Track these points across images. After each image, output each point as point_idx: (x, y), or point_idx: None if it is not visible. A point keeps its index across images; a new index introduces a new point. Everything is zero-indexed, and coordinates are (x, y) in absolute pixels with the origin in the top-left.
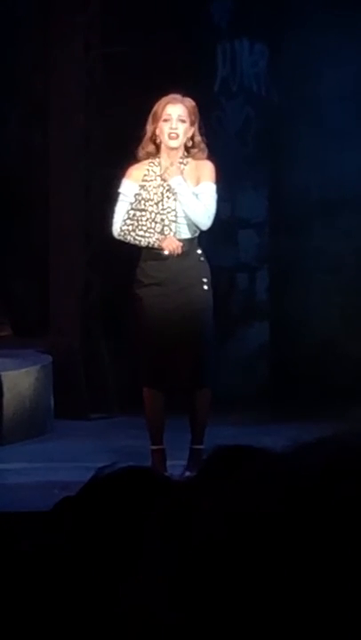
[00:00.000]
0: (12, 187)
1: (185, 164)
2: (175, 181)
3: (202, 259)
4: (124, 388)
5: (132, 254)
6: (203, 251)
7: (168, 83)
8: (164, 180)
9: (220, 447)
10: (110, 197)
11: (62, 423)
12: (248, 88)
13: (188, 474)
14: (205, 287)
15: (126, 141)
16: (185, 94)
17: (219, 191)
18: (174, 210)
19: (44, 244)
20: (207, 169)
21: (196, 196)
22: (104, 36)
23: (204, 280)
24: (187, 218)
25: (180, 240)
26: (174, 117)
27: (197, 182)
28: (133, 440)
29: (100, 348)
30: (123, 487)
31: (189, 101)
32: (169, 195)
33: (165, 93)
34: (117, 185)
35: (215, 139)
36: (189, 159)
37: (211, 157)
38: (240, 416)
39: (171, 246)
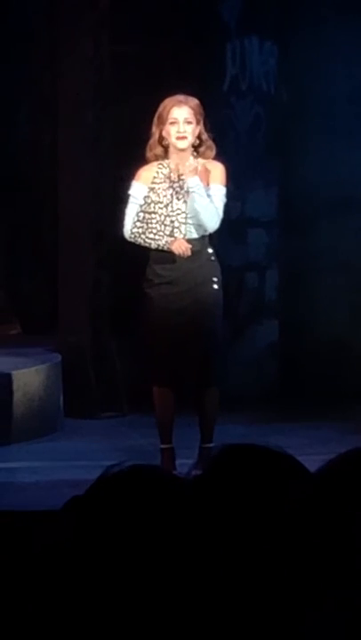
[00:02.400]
0: (21, 185)
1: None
2: (193, 182)
3: (212, 258)
4: (134, 387)
5: (142, 253)
6: (213, 250)
7: (177, 81)
8: (179, 179)
9: (228, 446)
10: (120, 196)
11: (72, 422)
12: (258, 87)
13: (195, 472)
14: (215, 286)
15: (135, 140)
16: (192, 93)
17: (228, 193)
18: (184, 212)
19: (54, 242)
20: (218, 171)
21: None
22: (113, 35)
23: (214, 279)
24: (196, 218)
25: (189, 241)
26: (181, 120)
27: (207, 183)
28: (143, 439)
29: (110, 346)
30: (130, 485)
31: (193, 101)
32: (178, 196)
33: (174, 92)
34: (127, 184)
35: (224, 138)
36: (199, 159)
37: (219, 155)
38: (249, 415)
39: (180, 249)
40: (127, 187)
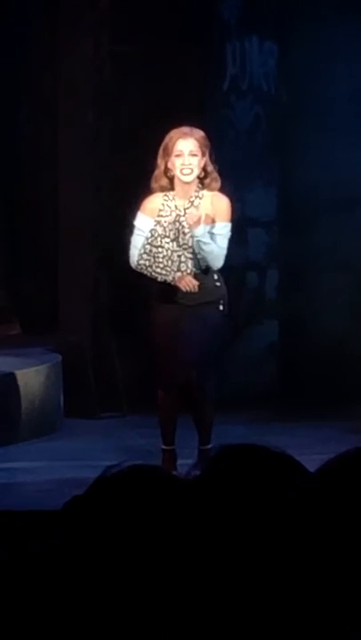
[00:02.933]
0: (21, 184)
1: (200, 197)
2: (199, 232)
3: (218, 284)
4: (134, 387)
5: None
6: (219, 275)
7: (177, 81)
8: (185, 213)
9: (226, 446)
10: (120, 195)
11: (72, 422)
12: (257, 87)
13: (195, 473)
14: (220, 307)
15: (136, 139)
16: (196, 96)
17: (233, 229)
18: (190, 246)
19: (54, 242)
20: (223, 207)
21: (212, 235)
22: (113, 35)
23: (221, 301)
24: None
25: (196, 275)
26: (186, 153)
27: (213, 219)
28: (143, 439)
29: (110, 346)
30: (129, 486)
31: (199, 133)
32: (185, 231)
33: (175, 92)
34: (127, 183)
35: (224, 137)
36: (204, 191)
37: (223, 188)
38: (249, 415)
39: (187, 286)
40: (131, 216)
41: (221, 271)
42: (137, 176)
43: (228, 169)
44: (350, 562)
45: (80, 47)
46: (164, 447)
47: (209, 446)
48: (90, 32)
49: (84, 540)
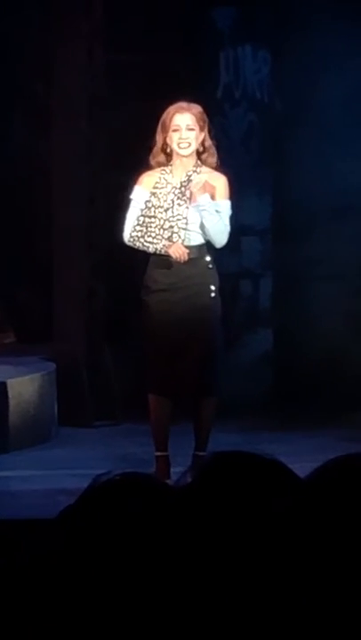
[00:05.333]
0: (15, 193)
1: (198, 174)
2: (203, 200)
3: (210, 266)
4: (129, 395)
5: (136, 261)
6: (212, 258)
7: (171, 89)
8: (181, 185)
9: (218, 453)
10: (114, 205)
11: (66, 430)
12: (251, 95)
13: (188, 480)
14: (213, 294)
15: (130, 148)
16: (190, 100)
17: (233, 207)
18: (185, 217)
19: (48, 251)
20: (223, 185)
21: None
22: (107, 43)
23: (212, 287)
24: (201, 227)
25: (188, 247)
26: (183, 127)
27: (213, 197)
28: (137, 447)
29: (104, 355)
30: (121, 493)
31: (196, 107)
32: (180, 202)
33: (169, 101)
34: (121, 192)
35: (218, 146)
36: (202, 168)
37: (220, 163)
38: (243, 423)
39: (177, 253)
40: (127, 192)
41: (218, 271)
42: (131, 185)
43: (232, 182)
44: (341, 568)
45: (74, 56)
46: (156, 453)
47: (204, 453)
48: (84, 41)
49: (75, 549)
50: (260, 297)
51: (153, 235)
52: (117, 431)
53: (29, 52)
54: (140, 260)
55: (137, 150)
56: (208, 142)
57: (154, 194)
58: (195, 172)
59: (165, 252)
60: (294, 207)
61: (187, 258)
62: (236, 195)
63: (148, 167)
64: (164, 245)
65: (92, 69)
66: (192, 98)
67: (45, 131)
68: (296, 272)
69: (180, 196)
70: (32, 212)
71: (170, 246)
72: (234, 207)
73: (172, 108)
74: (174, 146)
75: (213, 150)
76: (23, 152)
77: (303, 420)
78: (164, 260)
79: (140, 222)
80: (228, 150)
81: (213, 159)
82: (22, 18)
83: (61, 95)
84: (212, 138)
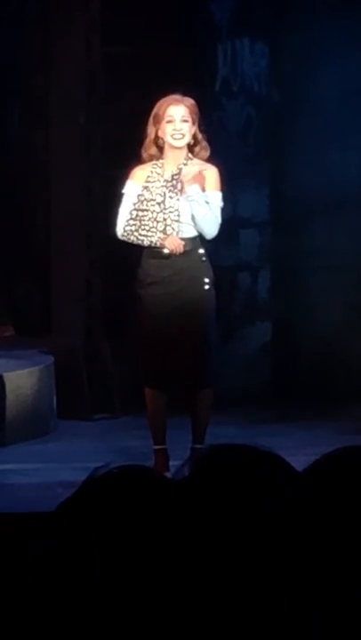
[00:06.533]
0: (13, 187)
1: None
2: (192, 190)
3: (203, 259)
4: (127, 389)
5: (134, 255)
6: (205, 250)
7: (169, 82)
8: (173, 178)
9: (215, 446)
10: (112, 198)
11: (65, 424)
12: (249, 88)
13: (184, 473)
14: (207, 287)
15: (127, 141)
16: (185, 93)
17: (224, 198)
18: (177, 210)
19: (46, 244)
20: (213, 176)
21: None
22: (105, 36)
23: (206, 280)
24: (191, 218)
25: (182, 239)
26: (177, 118)
27: (203, 189)
28: (136, 440)
29: (103, 348)
30: (119, 486)
31: (189, 100)
32: (172, 195)
33: (166, 93)
34: (119, 185)
35: (216, 139)
36: (194, 160)
37: (212, 156)
38: (242, 416)
39: (172, 245)
40: (120, 186)
41: (214, 268)
42: (124, 180)
43: (222, 171)
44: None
45: (72, 48)
46: (155, 447)
47: (202, 446)
48: (81, 33)
49: (73, 542)
50: (258, 290)
51: (147, 228)
52: (116, 424)
53: (27, 45)
54: (138, 253)
55: (135, 143)
56: (199, 135)
57: (146, 187)
58: (185, 164)
59: (161, 244)
60: (292, 199)
61: (182, 250)
62: (233, 187)
63: (139, 160)
64: (159, 238)
65: (90, 62)
66: (190, 91)
67: (43, 124)
68: (294, 264)
69: (171, 188)
70: (30, 206)
71: (165, 239)
72: (232, 200)
73: (165, 100)
74: (167, 137)
75: (205, 144)
76: (21, 145)
77: (302, 412)
78: (157, 252)
79: (134, 216)
80: (226, 143)
81: (206, 152)
82: (20, 11)
83: (59, 88)
84: (202, 132)
